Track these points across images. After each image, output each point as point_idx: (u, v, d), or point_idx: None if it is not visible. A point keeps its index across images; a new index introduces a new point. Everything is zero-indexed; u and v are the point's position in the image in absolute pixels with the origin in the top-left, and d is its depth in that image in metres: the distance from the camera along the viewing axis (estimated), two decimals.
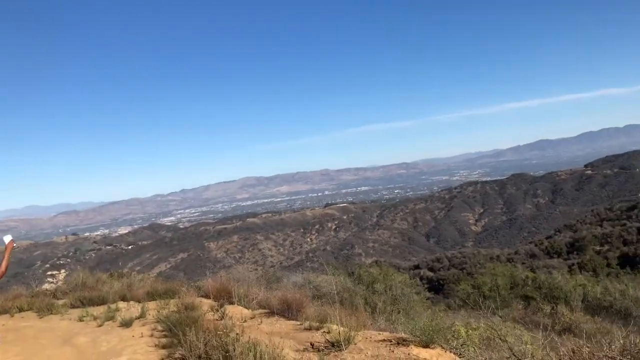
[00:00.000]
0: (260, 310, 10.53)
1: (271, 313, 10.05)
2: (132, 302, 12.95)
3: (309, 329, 8.46)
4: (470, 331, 8.11)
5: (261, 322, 9.30)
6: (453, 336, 7.47)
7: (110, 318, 10.66)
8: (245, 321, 9.37)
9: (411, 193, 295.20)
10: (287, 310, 9.75)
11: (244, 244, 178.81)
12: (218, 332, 6.74)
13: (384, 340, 7.34)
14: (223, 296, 11.89)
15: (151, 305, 11.61)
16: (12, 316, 12.49)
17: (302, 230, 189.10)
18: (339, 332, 7.08)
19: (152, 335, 8.85)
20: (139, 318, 10.45)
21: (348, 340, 6.98)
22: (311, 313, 9.34)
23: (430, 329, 6.81)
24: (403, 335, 7.47)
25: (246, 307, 11.01)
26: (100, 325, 10.29)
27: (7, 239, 6.22)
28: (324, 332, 7.98)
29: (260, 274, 29.59)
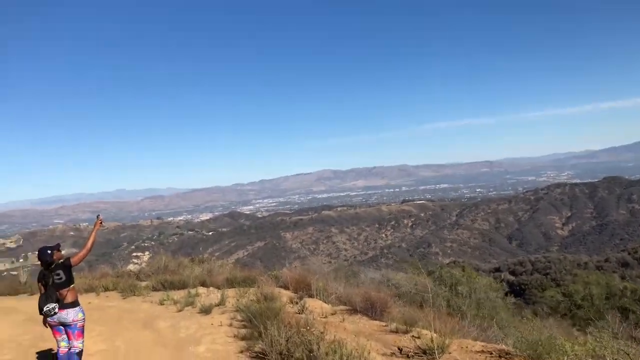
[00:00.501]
0: (341, 307, 10.05)
1: (353, 310, 9.53)
2: (211, 288, 12.93)
3: (396, 331, 7.85)
4: (577, 347, 7.14)
5: (343, 319, 8.80)
6: (558, 351, 6.57)
7: (190, 303, 10.60)
8: (325, 317, 8.92)
9: (494, 193, 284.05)
10: (370, 309, 9.18)
11: (318, 235, 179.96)
12: (301, 329, 6.29)
13: (482, 351, 6.57)
14: (302, 288, 11.54)
15: (230, 292, 11.46)
16: (98, 295, 12.87)
17: (377, 225, 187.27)
18: (432, 339, 6.40)
19: (231, 325, 8.60)
20: (218, 305, 10.29)
21: (442, 349, 6.29)
22: (396, 314, 8.73)
23: (540, 343, 5.95)
24: (504, 347, 6.66)
25: (325, 302, 10.57)
26: (179, 310, 10.24)
27: (97, 217, 6.23)
28: (413, 336, 7.33)
29: (335, 267, 29.27)
